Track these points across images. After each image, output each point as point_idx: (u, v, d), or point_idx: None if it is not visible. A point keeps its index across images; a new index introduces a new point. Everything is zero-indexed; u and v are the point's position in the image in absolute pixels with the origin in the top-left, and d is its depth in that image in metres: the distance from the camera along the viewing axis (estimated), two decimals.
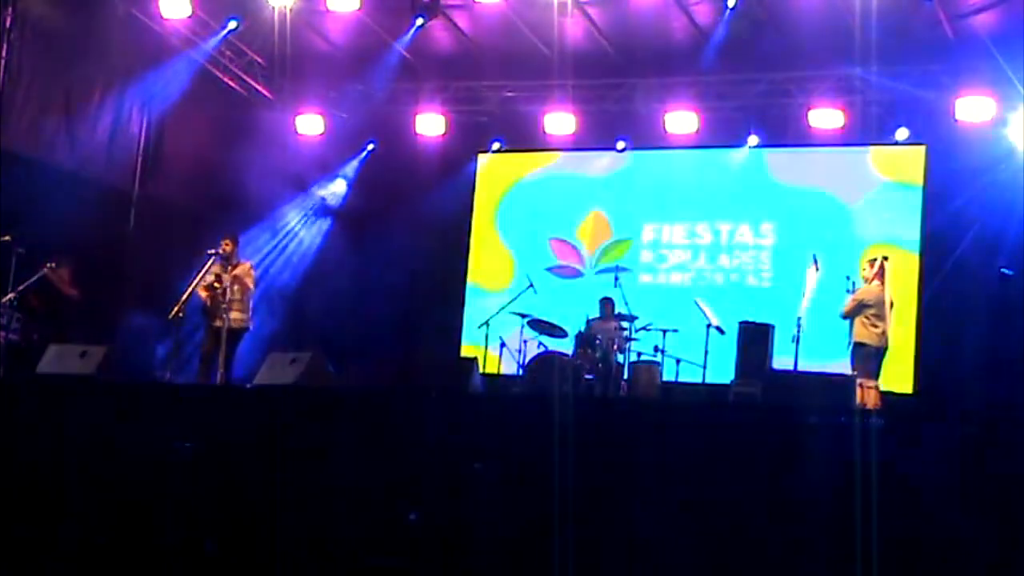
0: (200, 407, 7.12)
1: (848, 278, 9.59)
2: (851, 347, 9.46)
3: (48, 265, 9.77)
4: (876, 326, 9.28)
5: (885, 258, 9.61)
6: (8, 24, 10.77)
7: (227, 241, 10.14)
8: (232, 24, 12.49)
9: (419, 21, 11.81)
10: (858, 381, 8.40)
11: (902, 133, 12.36)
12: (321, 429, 6.54)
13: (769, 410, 7.03)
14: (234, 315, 9.94)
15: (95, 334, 9.40)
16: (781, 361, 10.14)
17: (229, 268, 10.04)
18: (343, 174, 14.48)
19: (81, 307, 10.09)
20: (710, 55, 12.20)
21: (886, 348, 9.44)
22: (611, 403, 9.22)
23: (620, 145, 13.42)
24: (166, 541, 6.49)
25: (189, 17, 12.14)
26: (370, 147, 14.39)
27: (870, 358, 9.26)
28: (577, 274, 13.57)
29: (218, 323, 9.89)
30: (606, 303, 11.31)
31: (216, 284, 9.86)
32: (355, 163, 14.44)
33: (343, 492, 6.29)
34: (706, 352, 10.59)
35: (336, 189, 14.49)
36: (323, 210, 14.44)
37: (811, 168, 12.94)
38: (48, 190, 10.95)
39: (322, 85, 13.90)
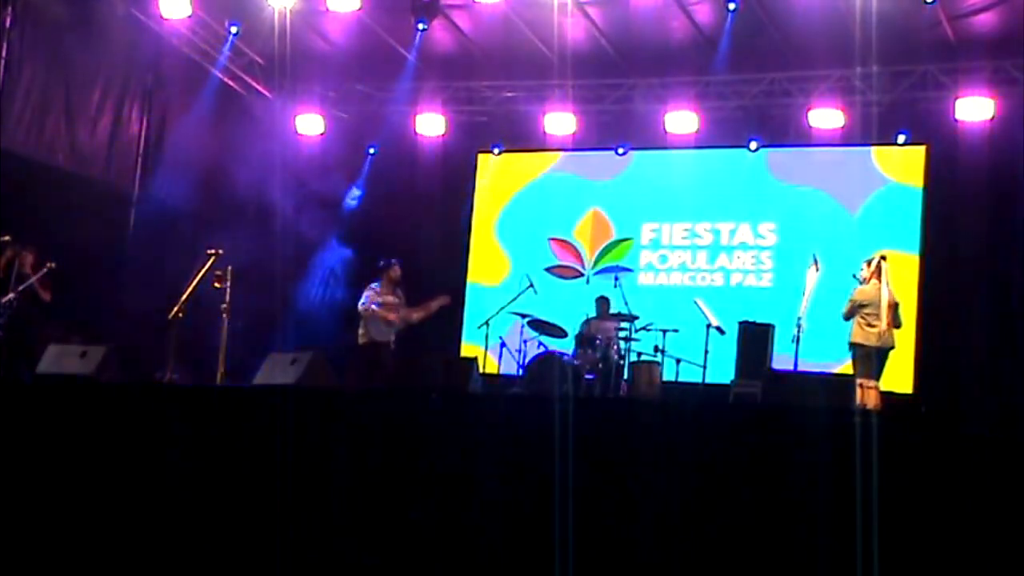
0: (200, 407, 7.11)
1: (854, 276, 9.61)
2: (849, 348, 9.47)
3: (48, 264, 9.77)
4: (872, 326, 9.27)
5: (883, 258, 9.60)
6: (8, 24, 10.78)
7: (398, 266, 10.83)
8: (233, 29, 12.57)
9: (421, 26, 11.80)
10: (858, 381, 8.40)
11: (901, 140, 12.36)
12: (321, 429, 6.54)
13: (769, 410, 7.02)
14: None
15: (94, 334, 9.42)
16: (781, 361, 10.14)
17: (398, 293, 10.78)
18: (356, 184, 14.50)
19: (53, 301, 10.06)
20: (710, 55, 12.21)
21: (888, 348, 9.41)
22: (611, 403, 9.21)
23: (620, 151, 13.45)
24: (165, 542, 6.49)
25: (189, 17, 12.15)
26: (372, 151, 14.39)
27: (868, 358, 9.25)
28: (577, 274, 13.57)
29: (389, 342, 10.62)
30: (602, 302, 11.32)
31: (217, 284, 9.87)
32: (364, 169, 14.45)
33: (343, 492, 6.29)
34: (706, 352, 10.58)
35: (352, 198, 14.53)
36: (322, 209, 14.42)
37: (811, 168, 12.94)
38: (48, 190, 10.96)
39: (322, 85, 13.92)
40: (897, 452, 5.33)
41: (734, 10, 11.33)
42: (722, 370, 10.47)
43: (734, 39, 11.80)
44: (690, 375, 10.80)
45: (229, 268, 9.90)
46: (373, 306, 10.57)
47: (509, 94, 13.74)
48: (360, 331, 10.68)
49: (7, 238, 9.61)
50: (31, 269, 9.83)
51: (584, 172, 13.81)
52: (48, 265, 9.76)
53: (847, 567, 5.11)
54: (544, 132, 13.40)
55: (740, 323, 10.53)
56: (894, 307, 9.40)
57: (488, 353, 11.78)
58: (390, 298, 10.70)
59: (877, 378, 9.20)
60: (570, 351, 10.94)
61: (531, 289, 11.44)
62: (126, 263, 12.16)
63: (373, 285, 10.77)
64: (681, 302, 11.96)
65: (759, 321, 10.56)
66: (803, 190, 12.89)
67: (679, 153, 13.31)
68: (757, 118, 12.99)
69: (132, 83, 12.35)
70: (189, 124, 12.86)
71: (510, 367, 11.40)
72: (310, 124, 13.84)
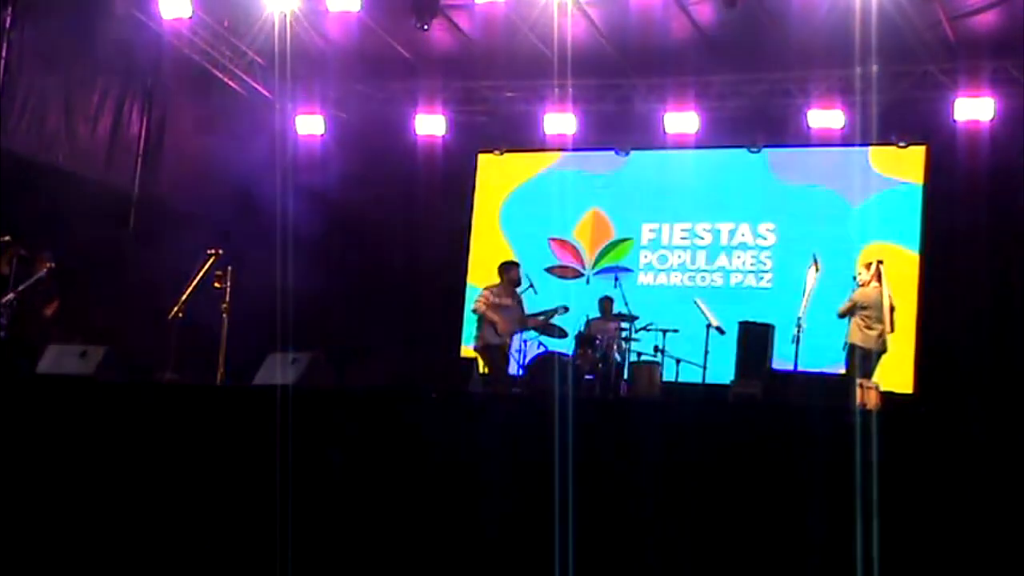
0: (200, 407, 7.11)
1: (854, 278, 9.63)
2: (846, 348, 9.48)
3: (48, 264, 9.76)
4: (872, 328, 9.30)
5: (880, 262, 9.64)
6: (8, 24, 10.78)
7: (518, 269, 10.84)
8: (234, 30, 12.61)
9: (421, 26, 11.79)
10: (858, 381, 8.41)
11: (902, 144, 12.36)
12: (321, 430, 6.54)
13: (769, 410, 7.02)
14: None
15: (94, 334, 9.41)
16: (781, 361, 10.15)
17: (518, 296, 10.72)
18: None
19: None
20: (710, 55, 12.21)
21: (882, 351, 9.45)
22: (611, 403, 9.21)
23: (620, 151, 13.45)
24: (165, 542, 6.49)
25: (189, 17, 12.15)
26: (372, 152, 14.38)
27: (865, 359, 9.29)
28: (577, 275, 13.57)
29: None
30: (605, 302, 11.32)
31: (217, 284, 9.85)
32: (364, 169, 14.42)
33: (343, 492, 6.29)
34: (706, 352, 10.59)
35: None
36: (322, 208, 14.41)
37: (811, 168, 12.94)
38: (48, 190, 10.95)
39: (322, 85, 13.91)
40: (897, 452, 5.32)
41: (732, 5, 11.32)
42: (722, 370, 10.47)
43: (734, 39, 11.80)
44: (690, 375, 10.80)
45: (229, 268, 9.89)
46: (484, 308, 10.39)
47: (509, 94, 13.75)
48: (475, 333, 10.55)
49: (7, 238, 9.60)
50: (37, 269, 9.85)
51: (584, 171, 13.81)
52: (47, 265, 9.75)
53: (847, 567, 5.10)
54: (544, 132, 13.41)
55: (740, 323, 10.53)
56: (891, 311, 9.46)
57: None
58: (507, 300, 10.52)
59: (871, 379, 9.22)
60: (570, 351, 10.94)
61: (531, 289, 11.43)
62: (126, 263, 12.15)
63: (491, 287, 10.61)
64: (681, 302, 11.96)
65: (759, 321, 10.57)
66: (803, 190, 12.89)
67: (679, 153, 13.31)
68: (757, 118, 12.99)
69: (132, 83, 12.34)
70: (189, 124, 12.86)
71: (510, 367, 11.39)
72: (310, 124, 13.84)
